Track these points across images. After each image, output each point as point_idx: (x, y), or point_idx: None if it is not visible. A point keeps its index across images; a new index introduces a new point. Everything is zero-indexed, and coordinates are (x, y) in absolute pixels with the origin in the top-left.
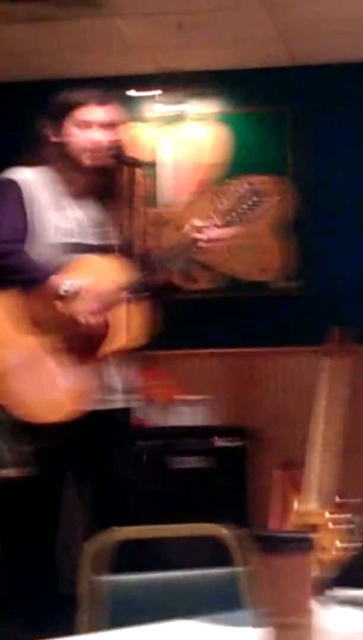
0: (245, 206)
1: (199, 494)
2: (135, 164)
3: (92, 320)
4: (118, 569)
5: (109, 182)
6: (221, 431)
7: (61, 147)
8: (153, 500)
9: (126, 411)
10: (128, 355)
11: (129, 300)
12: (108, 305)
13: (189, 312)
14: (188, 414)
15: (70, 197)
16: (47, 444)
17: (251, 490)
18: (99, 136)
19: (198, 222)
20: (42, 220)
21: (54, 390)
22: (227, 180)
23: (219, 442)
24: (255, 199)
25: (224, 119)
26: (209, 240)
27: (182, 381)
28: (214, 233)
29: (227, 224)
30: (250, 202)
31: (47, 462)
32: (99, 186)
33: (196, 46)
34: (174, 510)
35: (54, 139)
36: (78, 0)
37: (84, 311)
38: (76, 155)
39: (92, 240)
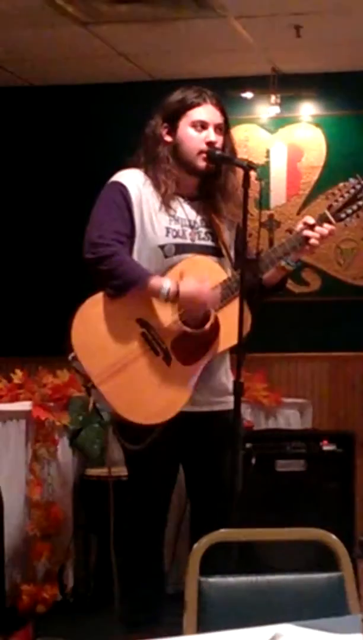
0: (361, 202)
1: (306, 497)
2: (249, 166)
3: (198, 323)
4: (221, 569)
5: (220, 183)
6: (329, 435)
7: (175, 147)
8: (261, 502)
9: (235, 413)
10: (236, 356)
11: (239, 301)
12: (216, 305)
13: (298, 314)
14: (294, 417)
15: (180, 197)
16: (156, 444)
17: (359, 496)
18: (215, 138)
19: (310, 220)
20: (152, 221)
21: (160, 391)
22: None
23: (327, 447)
24: None
25: (337, 121)
26: (322, 237)
27: (289, 384)
28: (327, 230)
29: (341, 221)
30: None
31: (155, 463)
32: (210, 187)
33: (313, 48)
34: (281, 513)
35: (168, 138)
36: (193, 2)
37: (189, 314)
38: (190, 157)
39: (202, 241)
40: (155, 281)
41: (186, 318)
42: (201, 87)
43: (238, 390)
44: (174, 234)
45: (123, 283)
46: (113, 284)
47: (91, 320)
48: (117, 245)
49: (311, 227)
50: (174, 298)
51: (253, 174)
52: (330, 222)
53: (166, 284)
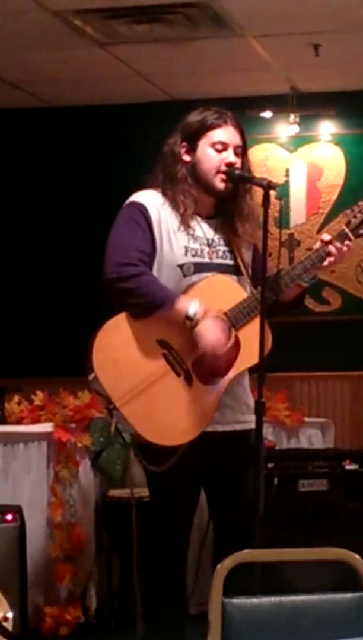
0: None
1: (329, 517)
2: (269, 186)
3: (219, 348)
4: (244, 590)
5: (237, 205)
6: (352, 455)
7: (194, 166)
8: (284, 522)
9: (257, 433)
10: (257, 376)
11: (260, 319)
12: (236, 325)
13: (319, 333)
14: (316, 437)
15: (197, 216)
16: (177, 465)
17: None
18: (234, 159)
19: (326, 236)
20: (171, 241)
21: (183, 412)
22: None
23: (350, 466)
24: None
25: (356, 139)
26: (340, 254)
27: (310, 403)
28: (345, 247)
29: (360, 237)
30: None
31: (178, 484)
32: (227, 208)
33: (331, 66)
34: (304, 533)
35: (186, 157)
36: (211, 22)
37: (210, 338)
38: (209, 177)
39: (220, 260)
40: (181, 301)
41: (206, 343)
42: (221, 109)
43: (260, 410)
44: (193, 252)
45: (150, 302)
46: (139, 302)
47: (112, 341)
48: (142, 265)
49: (328, 243)
50: (199, 319)
51: (272, 193)
52: (349, 239)
53: (190, 304)
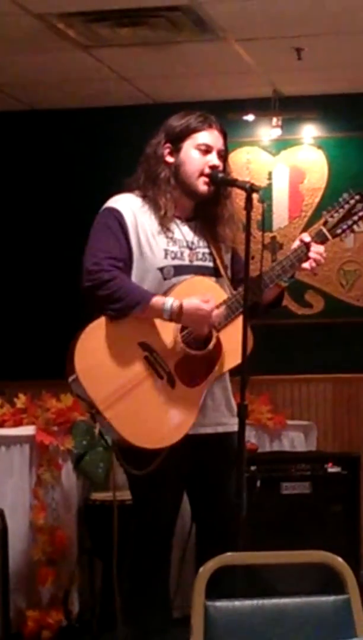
0: (355, 217)
1: (312, 520)
2: (251, 188)
3: (205, 305)
4: (226, 593)
5: (217, 210)
6: (334, 457)
7: (176, 167)
8: (266, 525)
9: (239, 436)
10: (239, 378)
11: (242, 321)
12: (220, 321)
13: (302, 336)
14: (299, 440)
15: (177, 219)
16: (160, 468)
17: None
18: (218, 162)
19: (306, 237)
20: (150, 244)
21: (166, 415)
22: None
23: (332, 469)
24: None
25: (338, 142)
26: (318, 254)
27: (293, 406)
28: (323, 247)
29: (337, 236)
30: (361, 214)
31: (160, 487)
32: (206, 212)
33: (314, 70)
34: (287, 536)
35: (169, 159)
36: (194, 25)
37: (194, 300)
38: (191, 179)
39: (200, 262)
40: (157, 300)
41: (188, 340)
42: (206, 113)
43: (242, 413)
44: (173, 255)
45: (125, 305)
46: (114, 307)
47: (94, 345)
48: (114, 270)
49: (307, 245)
50: (177, 315)
51: (255, 196)
52: (326, 239)
53: (168, 301)
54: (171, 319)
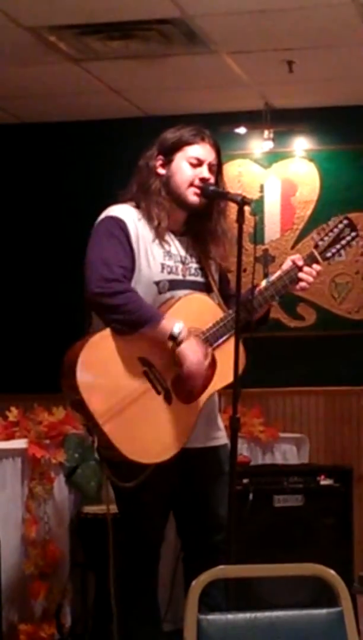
0: (343, 242)
1: (304, 532)
2: (243, 201)
3: (200, 368)
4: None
5: (210, 226)
6: (327, 470)
7: (168, 179)
8: (259, 538)
9: (231, 449)
10: (232, 392)
11: (234, 337)
12: (213, 344)
13: (294, 349)
14: (291, 452)
15: (171, 232)
16: (147, 481)
17: (357, 531)
18: (208, 175)
19: (299, 261)
20: (148, 257)
21: (162, 431)
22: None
23: (325, 481)
24: (353, 234)
25: (330, 155)
26: (309, 275)
27: (285, 419)
28: (315, 269)
29: (327, 260)
30: (349, 238)
31: (148, 499)
32: (199, 228)
33: (305, 83)
34: (279, 549)
35: (161, 170)
36: (185, 38)
37: (193, 359)
38: (181, 189)
39: (192, 277)
40: (166, 321)
41: (188, 363)
42: (200, 127)
43: (235, 426)
44: (169, 270)
45: (135, 319)
46: (124, 319)
47: (96, 358)
48: (126, 281)
49: (300, 268)
50: (182, 339)
51: (247, 209)
52: (317, 261)
53: (175, 324)
54: (174, 343)
